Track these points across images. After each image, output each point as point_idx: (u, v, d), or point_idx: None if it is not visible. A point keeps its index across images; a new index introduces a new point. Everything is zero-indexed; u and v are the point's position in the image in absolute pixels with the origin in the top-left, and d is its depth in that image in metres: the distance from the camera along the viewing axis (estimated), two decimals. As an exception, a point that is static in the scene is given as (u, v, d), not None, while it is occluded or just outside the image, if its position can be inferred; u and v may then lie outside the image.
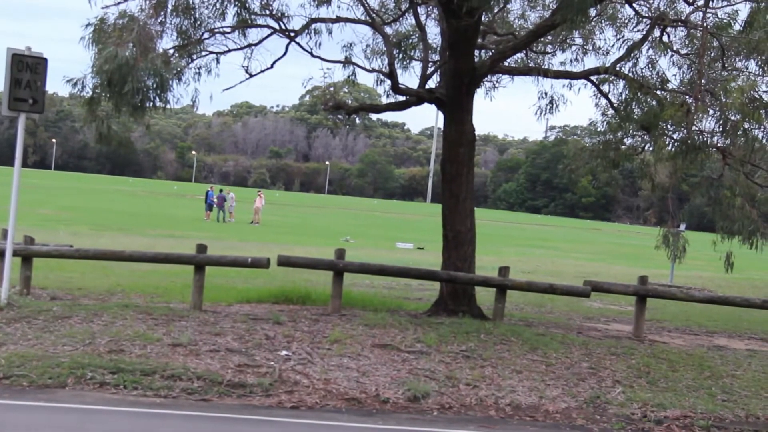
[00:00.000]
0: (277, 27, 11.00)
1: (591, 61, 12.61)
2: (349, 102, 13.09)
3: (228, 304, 10.51)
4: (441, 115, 11.16)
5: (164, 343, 7.58)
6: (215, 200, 36.17)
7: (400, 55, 12.40)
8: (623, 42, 11.31)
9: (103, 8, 9.09)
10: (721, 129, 10.31)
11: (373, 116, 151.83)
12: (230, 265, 10.23)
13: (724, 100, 10.26)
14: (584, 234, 59.67)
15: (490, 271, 11.58)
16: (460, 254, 10.64)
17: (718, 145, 11.13)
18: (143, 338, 7.64)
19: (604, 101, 12.01)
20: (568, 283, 11.62)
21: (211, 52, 10.80)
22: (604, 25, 12.01)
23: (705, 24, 10.14)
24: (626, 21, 11.53)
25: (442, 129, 11.31)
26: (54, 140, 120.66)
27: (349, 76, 12.23)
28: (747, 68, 11.01)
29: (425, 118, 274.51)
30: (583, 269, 22.60)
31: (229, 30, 10.70)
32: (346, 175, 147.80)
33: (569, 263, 25.81)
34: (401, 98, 11.81)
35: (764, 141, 10.62)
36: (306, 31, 11.03)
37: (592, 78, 11.64)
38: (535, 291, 10.98)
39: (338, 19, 11.21)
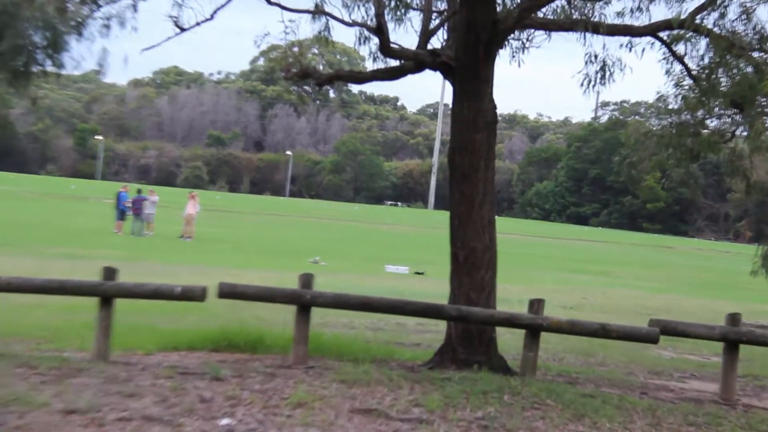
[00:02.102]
0: (221, -39, 11.01)
1: (660, 12, 12.64)
2: (321, 68, 13.09)
3: (147, 352, 10.45)
4: (449, 87, 11.18)
5: (53, 409, 7.50)
6: (130, 205, 36.09)
7: (393, 3, 12.42)
8: (707, -17, 11.38)
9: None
10: None
11: (354, 88, 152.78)
12: (151, 297, 10.17)
13: None
14: (650, 254, 59.92)
15: (518, 305, 11.58)
16: (476, 282, 10.64)
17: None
18: (23, 402, 7.56)
19: (678, 67, 12.06)
20: (627, 323, 11.62)
21: (126, -4, 10.80)
22: (679, -41, 12.08)
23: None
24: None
25: (450, 106, 11.33)
26: None
27: (320, 32, 12.20)
28: None
29: (427, 91, 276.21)
30: (649, 303, 22.69)
31: (151, -35, 10.70)
32: (315, 170, 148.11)
33: (628, 295, 25.89)
34: (393, 63, 11.82)
35: None
36: (260, -34, 11.05)
37: (661, 35, 11.69)
38: (580, 334, 10.97)
39: (305, -49, 11.24)
